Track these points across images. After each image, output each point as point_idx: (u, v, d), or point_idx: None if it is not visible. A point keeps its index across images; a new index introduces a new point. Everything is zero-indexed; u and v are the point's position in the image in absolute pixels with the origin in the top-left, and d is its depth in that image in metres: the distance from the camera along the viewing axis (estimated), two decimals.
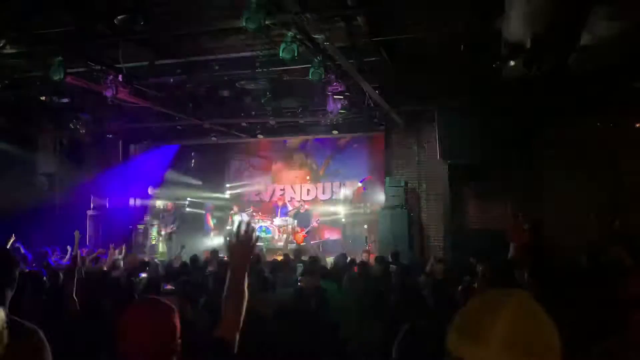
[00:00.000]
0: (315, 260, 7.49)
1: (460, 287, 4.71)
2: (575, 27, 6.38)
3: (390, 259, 8.61)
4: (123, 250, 9.14)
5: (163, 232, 13.27)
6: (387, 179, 11.68)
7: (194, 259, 8.33)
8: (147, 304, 1.94)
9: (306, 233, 12.80)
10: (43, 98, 9.83)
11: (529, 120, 9.66)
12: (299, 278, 6.23)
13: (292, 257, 8.58)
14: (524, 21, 6.01)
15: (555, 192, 10.32)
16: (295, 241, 12.75)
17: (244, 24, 5.26)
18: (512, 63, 7.40)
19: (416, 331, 2.45)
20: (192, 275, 6.76)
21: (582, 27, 6.33)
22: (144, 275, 6.25)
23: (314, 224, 12.97)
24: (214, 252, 9.48)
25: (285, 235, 13.43)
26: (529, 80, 8.47)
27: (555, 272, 4.73)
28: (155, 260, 8.85)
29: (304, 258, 8.61)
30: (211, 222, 14.32)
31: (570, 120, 9.93)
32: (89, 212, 13.17)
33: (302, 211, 13.21)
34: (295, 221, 13.03)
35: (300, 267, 7.38)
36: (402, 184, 11.43)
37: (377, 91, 9.26)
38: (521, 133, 9.70)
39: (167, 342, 1.80)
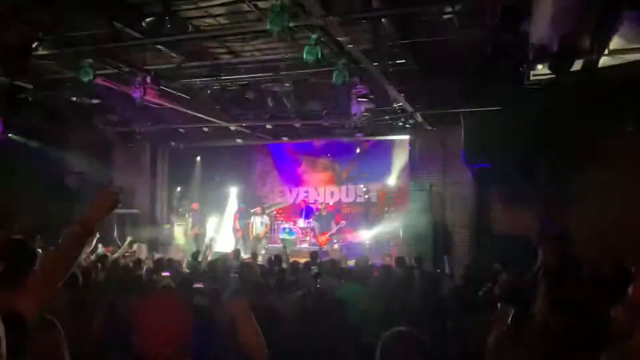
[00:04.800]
0: (335, 263, 7.50)
1: (480, 293, 4.65)
2: (604, 29, 6.25)
3: (414, 263, 8.57)
4: (144, 250, 9.34)
5: (189, 233, 13.42)
6: (412, 182, 11.61)
7: (223, 259, 8.41)
8: (165, 296, 1.99)
9: (329, 236, 12.79)
10: (74, 99, 10.07)
11: (555, 125, 9.47)
12: (319, 280, 6.25)
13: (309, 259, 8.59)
14: (551, 23, 5.91)
15: (582, 200, 10.08)
16: (318, 244, 12.76)
17: (268, 26, 5.31)
18: (539, 67, 7.30)
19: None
20: (217, 275, 6.87)
21: (612, 30, 6.20)
22: (165, 274, 6.34)
23: (335, 228, 12.92)
24: (236, 251, 9.58)
25: (309, 237, 13.49)
26: (557, 85, 8.33)
27: (582, 281, 4.64)
28: (178, 260, 9.00)
29: (324, 259, 8.62)
30: (237, 224, 14.41)
31: (598, 126, 9.69)
32: (116, 211, 13.40)
33: (324, 214, 13.21)
34: (318, 224, 13.04)
35: (315, 270, 7.40)
36: (427, 187, 11.35)
37: (402, 94, 9.21)
38: (548, 138, 9.52)
39: (182, 335, 1.83)
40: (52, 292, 1.83)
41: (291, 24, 5.45)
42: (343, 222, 13.21)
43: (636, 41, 6.51)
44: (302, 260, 8.91)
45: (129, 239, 9.15)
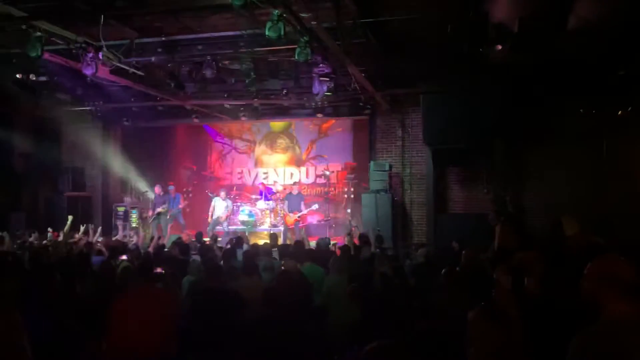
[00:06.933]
0: (299, 244, 7.45)
1: (443, 271, 4.71)
2: (561, 10, 6.36)
3: (374, 242, 8.62)
4: (97, 233, 9.02)
5: (149, 214, 13.04)
6: (372, 162, 11.64)
7: (179, 242, 8.21)
8: (144, 290, 1.91)
9: (298, 217, 12.57)
10: (19, 76, 9.55)
11: (513, 105, 9.67)
12: (282, 262, 6.19)
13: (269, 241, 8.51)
14: (512, 4, 5.96)
15: (537, 179, 10.40)
16: (285, 223, 12.59)
17: (230, 0, 5.12)
18: (498, 47, 7.37)
19: None
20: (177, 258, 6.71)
21: (568, 10, 6.31)
22: (123, 257, 6.14)
23: (306, 209, 12.66)
24: (198, 234, 9.40)
25: (268, 219, 13.32)
26: (515, 65, 8.48)
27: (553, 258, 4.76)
28: (135, 242, 8.74)
29: (290, 242, 8.57)
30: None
31: (554, 106, 9.96)
32: (67, 194, 12.93)
33: (295, 193, 12.96)
34: (288, 202, 12.81)
35: (275, 251, 7.34)
36: (387, 167, 11.41)
37: (363, 74, 9.16)
38: (505, 118, 9.71)
39: (165, 330, 1.76)
40: None
41: None
42: (315, 205, 12.95)
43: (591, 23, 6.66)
44: (262, 243, 8.83)
45: (70, 218, 8.68)
